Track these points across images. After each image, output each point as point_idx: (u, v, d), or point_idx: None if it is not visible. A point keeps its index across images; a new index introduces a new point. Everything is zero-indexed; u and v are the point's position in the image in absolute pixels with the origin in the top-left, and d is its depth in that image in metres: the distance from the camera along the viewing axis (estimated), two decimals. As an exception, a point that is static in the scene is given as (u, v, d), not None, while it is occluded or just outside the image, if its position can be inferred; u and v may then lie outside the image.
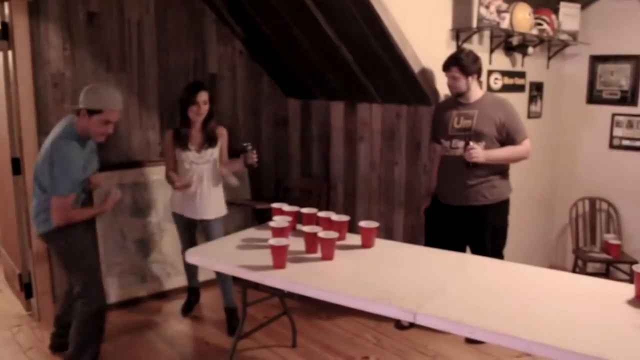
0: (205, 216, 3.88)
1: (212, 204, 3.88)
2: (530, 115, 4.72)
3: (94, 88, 3.12)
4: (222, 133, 3.92)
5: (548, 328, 2.09)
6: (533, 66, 4.67)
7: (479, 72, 3.59)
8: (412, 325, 3.83)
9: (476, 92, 3.60)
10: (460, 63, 3.48)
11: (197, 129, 3.81)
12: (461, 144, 3.52)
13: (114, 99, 3.08)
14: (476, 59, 3.55)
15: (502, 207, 3.64)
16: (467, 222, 3.62)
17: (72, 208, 3.08)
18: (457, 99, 3.62)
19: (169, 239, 4.49)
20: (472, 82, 3.54)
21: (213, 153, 3.83)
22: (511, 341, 2.06)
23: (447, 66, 3.56)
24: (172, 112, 4.45)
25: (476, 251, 3.57)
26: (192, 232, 4.04)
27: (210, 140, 3.82)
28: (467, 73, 3.49)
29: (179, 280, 4.54)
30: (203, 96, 3.73)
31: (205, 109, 3.75)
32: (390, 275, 2.64)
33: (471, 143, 3.42)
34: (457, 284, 2.54)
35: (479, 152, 3.41)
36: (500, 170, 3.58)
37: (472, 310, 2.25)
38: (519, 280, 2.62)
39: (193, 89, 3.74)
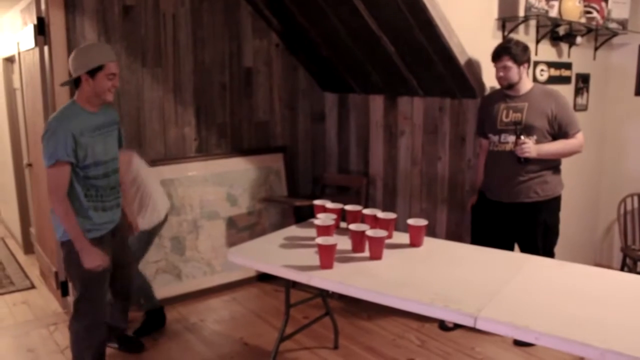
0: None
1: None
2: (576, 108, 4.53)
3: (83, 49, 2.87)
4: None
5: (621, 335, 1.94)
6: (579, 57, 4.48)
7: (528, 62, 3.44)
8: (457, 326, 3.72)
9: (525, 83, 3.44)
10: (512, 52, 3.32)
11: None
12: (511, 138, 3.36)
13: (106, 50, 2.86)
14: (526, 48, 3.40)
15: (554, 203, 3.47)
16: (518, 219, 3.46)
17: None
18: (505, 91, 3.46)
19: (204, 237, 4.42)
20: (523, 72, 3.38)
21: None
22: (582, 349, 1.92)
23: (497, 56, 3.39)
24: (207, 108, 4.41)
25: (526, 249, 3.42)
26: None
27: None
28: (519, 62, 3.33)
29: (215, 279, 4.47)
30: None
31: None
32: (443, 275, 2.52)
33: (522, 137, 3.27)
34: (516, 286, 2.40)
35: (531, 147, 3.25)
36: (553, 165, 3.41)
37: (535, 314, 2.12)
38: (581, 282, 2.47)
39: None
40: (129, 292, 3.41)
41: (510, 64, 3.33)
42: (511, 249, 3.54)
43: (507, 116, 3.41)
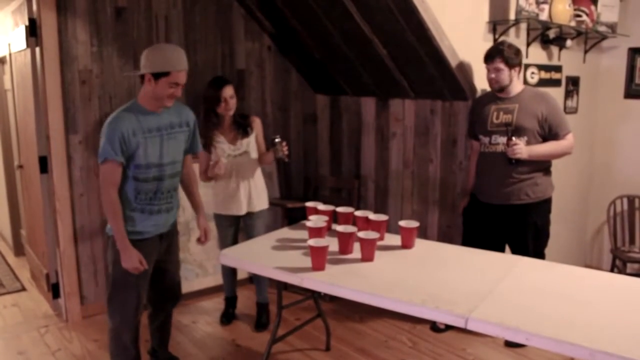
0: (250, 209, 3.77)
1: (255, 196, 3.78)
2: (566, 111, 4.56)
3: (158, 48, 2.86)
4: (256, 122, 3.84)
5: (610, 335, 1.96)
6: (569, 60, 4.51)
7: (520, 65, 3.46)
8: (448, 327, 3.73)
9: (516, 85, 3.46)
10: (504, 54, 3.34)
11: (228, 122, 3.73)
12: (501, 139, 3.38)
13: (179, 58, 2.75)
14: (518, 52, 3.42)
15: (545, 205, 3.50)
16: (508, 221, 3.48)
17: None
18: (496, 93, 3.49)
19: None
20: (514, 75, 3.40)
21: (249, 143, 3.74)
22: (572, 350, 1.94)
23: (490, 57, 3.40)
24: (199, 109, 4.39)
25: (517, 251, 3.44)
26: (236, 231, 3.89)
27: (243, 129, 3.74)
28: (510, 65, 3.35)
29: (207, 280, 4.46)
30: (229, 91, 3.64)
31: (233, 103, 3.67)
32: (435, 277, 2.54)
33: (514, 138, 3.29)
34: (507, 287, 2.42)
35: (522, 148, 3.27)
36: (544, 167, 3.44)
37: (525, 315, 2.13)
38: (571, 283, 2.49)
39: (217, 85, 3.65)
40: (169, 301, 3.24)
41: (502, 66, 3.34)
42: (502, 250, 3.56)
43: (497, 117, 3.43)
